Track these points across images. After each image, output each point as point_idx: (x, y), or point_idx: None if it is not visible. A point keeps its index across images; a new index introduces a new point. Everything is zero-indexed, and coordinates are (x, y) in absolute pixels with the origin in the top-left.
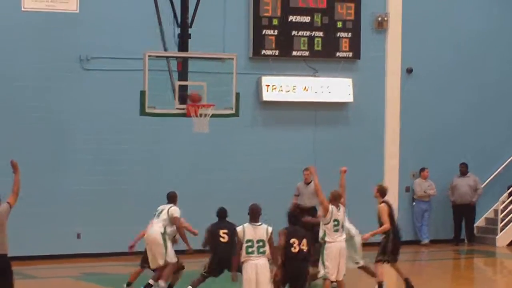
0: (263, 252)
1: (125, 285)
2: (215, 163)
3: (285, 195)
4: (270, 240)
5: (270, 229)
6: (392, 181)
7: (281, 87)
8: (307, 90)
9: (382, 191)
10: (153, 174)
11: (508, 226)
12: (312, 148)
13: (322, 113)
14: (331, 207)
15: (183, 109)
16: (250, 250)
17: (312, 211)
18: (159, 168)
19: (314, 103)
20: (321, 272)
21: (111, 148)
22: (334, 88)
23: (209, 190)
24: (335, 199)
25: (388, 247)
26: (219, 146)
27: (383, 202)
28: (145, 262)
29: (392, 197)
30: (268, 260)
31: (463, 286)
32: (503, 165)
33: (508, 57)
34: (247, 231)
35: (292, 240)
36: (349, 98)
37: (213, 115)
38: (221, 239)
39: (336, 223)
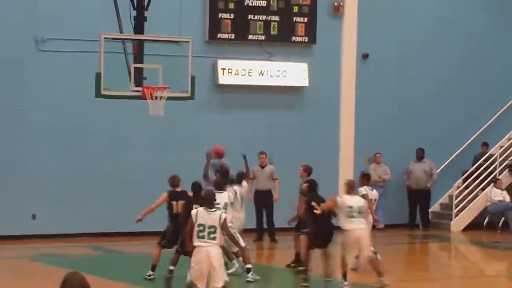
0: (214, 238)
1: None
2: (171, 145)
3: None
4: (224, 226)
5: (223, 215)
6: (347, 165)
7: (237, 70)
8: (263, 74)
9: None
10: (110, 155)
11: (463, 211)
12: (268, 132)
13: (277, 97)
14: (339, 199)
15: (139, 91)
16: (200, 234)
17: (268, 194)
18: (115, 150)
19: (269, 87)
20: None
21: (67, 129)
22: (290, 72)
23: (166, 172)
24: (350, 187)
25: None
26: (175, 129)
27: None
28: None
29: None
30: (221, 247)
31: (418, 271)
32: (458, 151)
33: (467, 44)
34: (200, 215)
35: (312, 203)
36: (305, 83)
37: (169, 98)
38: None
39: (350, 209)
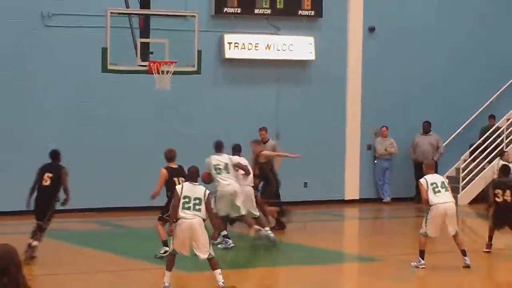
0: (199, 210)
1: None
2: (177, 120)
3: (247, 153)
4: (207, 202)
5: (207, 191)
6: (354, 139)
7: (244, 45)
8: (269, 48)
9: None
10: (117, 129)
11: (470, 184)
12: (275, 106)
13: (284, 71)
14: (424, 179)
15: (145, 66)
16: (186, 206)
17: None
18: (122, 124)
19: (276, 61)
20: (423, 229)
21: (73, 104)
22: (296, 46)
23: (172, 147)
24: (429, 168)
25: None
26: (181, 103)
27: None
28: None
29: (354, 155)
30: (204, 220)
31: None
32: (465, 124)
33: (474, 18)
34: (185, 188)
35: (496, 191)
36: (311, 57)
37: (175, 72)
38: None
39: (434, 185)
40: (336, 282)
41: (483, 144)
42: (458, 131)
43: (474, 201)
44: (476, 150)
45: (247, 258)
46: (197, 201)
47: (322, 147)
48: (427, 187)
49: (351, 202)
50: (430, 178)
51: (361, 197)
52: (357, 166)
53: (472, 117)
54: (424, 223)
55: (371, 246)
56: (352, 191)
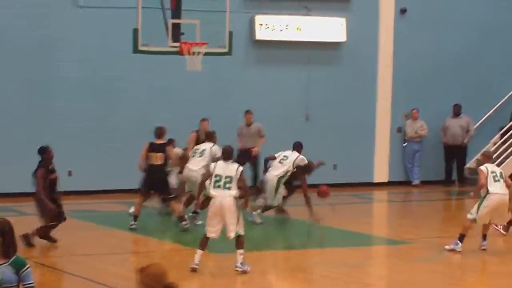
0: (229, 188)
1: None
2: (208, 101)
3: (275, 134)
4: (241, 178)
5: (240, 168)
6: (384, 121)
7: (274, 26)
8: (300, 29)
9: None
10: (146, 111)
11: (500, 167)
12: (305, 88)
13: (315, 53)
14: (484, 167)
15: (176, 47)
16: (217, 184)
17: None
18: (152, 106)
19: (307, 43)
20: (472, 215)
21: (104, 86)
22: (327, 27)
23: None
24: (488, 158)
25: None
26: (212, 84)
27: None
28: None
29: (384, 137)
30: (236, 198)
31: (454, 227)
32: (495, 107)
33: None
34: (218, 167)
35: None
36: (342, 38)
37: (206, 54)
38: None
39: (494, 174)
40: (366, 264)
41: None
42: (489, 113)
43: None
44: (507, 133)
45: (278, 240)
46: (228, 179)
47: (352, 129)
48: (488, 174)
49: (381, 184)
50: (490, 167)
51: (391, 180)
52: (387, 149)
53: (503, 99)
54: (476, 209)
55: (400, 229)
56: (381, 173)
